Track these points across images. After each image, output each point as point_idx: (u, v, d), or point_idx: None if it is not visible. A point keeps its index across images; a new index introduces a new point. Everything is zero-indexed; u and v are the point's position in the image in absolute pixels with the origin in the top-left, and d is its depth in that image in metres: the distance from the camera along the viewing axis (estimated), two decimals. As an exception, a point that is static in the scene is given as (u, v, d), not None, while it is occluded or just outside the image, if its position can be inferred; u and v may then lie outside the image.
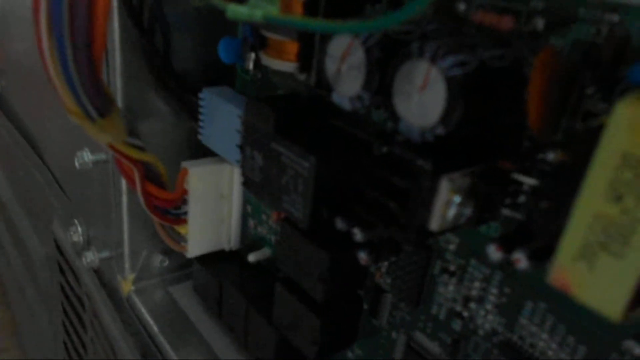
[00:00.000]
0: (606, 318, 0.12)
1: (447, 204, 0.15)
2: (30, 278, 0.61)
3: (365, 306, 0.24)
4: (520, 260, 0.15)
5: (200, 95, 0.29)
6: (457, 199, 0.15)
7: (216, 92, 0.28)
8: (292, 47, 0.21)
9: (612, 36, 0.14)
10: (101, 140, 0.19)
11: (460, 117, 0.14)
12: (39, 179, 0.48)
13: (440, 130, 0.15)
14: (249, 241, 0.32)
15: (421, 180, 0.15)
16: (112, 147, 0.21)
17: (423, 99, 0.15)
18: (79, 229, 0.40)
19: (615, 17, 0.14)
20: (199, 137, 0.30)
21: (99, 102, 0.17)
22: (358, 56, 0.17)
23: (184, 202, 0.30)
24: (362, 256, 0.21)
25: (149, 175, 0.26)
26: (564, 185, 0.12)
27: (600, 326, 0.16)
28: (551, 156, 0.14)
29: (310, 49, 0.21)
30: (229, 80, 0.30)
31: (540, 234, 0.14)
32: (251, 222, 0.31)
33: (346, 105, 0.18)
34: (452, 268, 0.20)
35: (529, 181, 0.16)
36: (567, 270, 0.12)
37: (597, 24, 0.14)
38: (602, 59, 0.13)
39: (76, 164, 0.31)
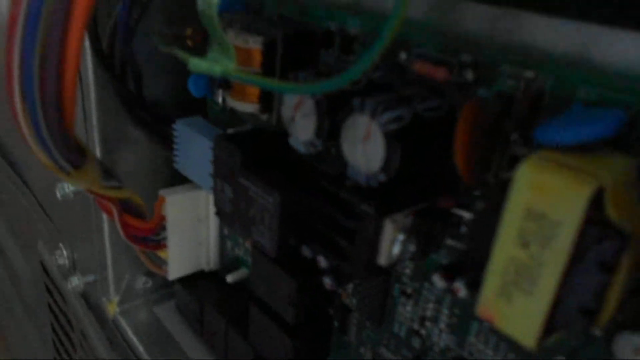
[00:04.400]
0: (525, 345, 0.14)
1: (392, 241, 0.17)
2: (19, 298, 0.62)
3: (336, 324, 0.26)
4: (460, 289, 0.17)
5: (174, 126, 0.30)
6: (400, 236, 0.17)
7: (189, 124, 0.30)
8: (254, 90, 0.22)
9: (527, 91, 0.15)
10: (78, 187, 0.21)
11: (398, 165, 0.16)
12: (24, 203, 0.49)
13: (382, 177, 0.16)
14: (227, 261, 0.33)
15: (366, 223, 0.17)
16: (88, 190, 0.22)
17: (366, 148, 0.16)
18: (64, 252, 0.41)
19: (530, 74, 0.16)
20: (175, 165, 0.31)
21: (72, 158, 0.18)
22: (309, 106, 0.18)
23: (163, 227, 0.31)
24: (327, 281, 0.22)
25: (127, 207, 0.27)
26: (484, 229, 0.14)
27: (534, 344, 0.18)
28: (479, 205, 0.15)
29: (271, 91, 0.22)
30: (202, 109, 0.31)
31: (470, 269, 0.15)
32: (229, 244, 0.33)
33: (301, 149, 0.19)
34: (409, 291, 0.22)
35: (466, 215, 0.18)
36: (491, 305, 0.14)
37: (516, 79, 0.16)
38: (518, 111, 0.15)
39: (57, 195, 0.33)
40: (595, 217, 0.12)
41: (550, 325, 0.13)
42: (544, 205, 0.12)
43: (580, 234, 0.12)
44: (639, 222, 0.12)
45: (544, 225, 0.12)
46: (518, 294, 0.13)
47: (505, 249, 0.13)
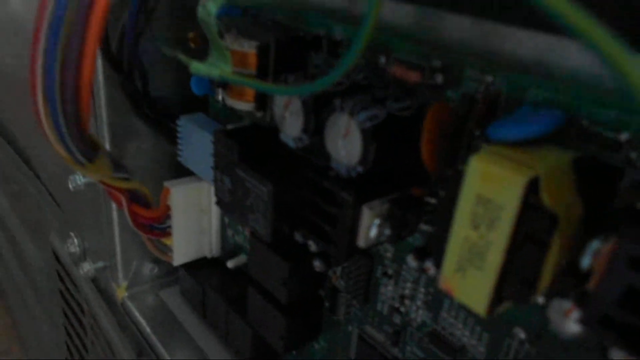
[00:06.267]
0: (477, 313, 0.16)
1: (369, 226, 0.19)
2: (30, 285, 0.65)
3: (326, 304, 0.28)
4: (430, 268, 0.19)
5: (178, 122, 0.32)
6: (377, 221, 0.19)
7: (191, 120, 0.32)
8: (250, 90, 0.25)
9: (486, 93, 0.17)
10: (91, 178, 0.23)
11: (374, 159, 0.18)
12: (35, 194, 0.51)
13: (360, 169, 0.18)
14: (228, 248, 0.36)
15: (345, 209, 0.19)
16: (100, 181, 0.25)
17: (346, 143, 0.19)
18: (75, 240, 0.44)
19: (489, 78, 0.18)
20: (179, 158, 0.33)
21: (87, 152, 0.20)
22: (297, 105, 0.20)
23: (168, 217, 0.33)
24: (317, 264, 0.25)
25: (135, 197, 0.29)
26: (445, 214, 0.16)
27: (497, 318, 0.20)
28: (440, 193, 0.18)
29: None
30: (203, 106, 0.34)
31: (436, 249, 0.17)
32: (229, 232, 0.35)
33: (291, 144, 0.21)
34: (390, 272, 0.24)
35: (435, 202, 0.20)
36: (450, 279, 0.16)
37: (478, 82, 0.18)
38: (477, 112, 0.17)
39: (70, 186, 0.35)
40: (532, 201, 0.14)
41: (498, 296, 0.15)
42: (490, 192, 0.14)
43: (518, 217, 0.14)
44: (572, 207, 0.14)
45: (490, 209, 0.15)
46: (471, 269, 0.16)
47: (460, 230, 0.16)
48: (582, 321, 0.13)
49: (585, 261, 0.13)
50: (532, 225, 0.14)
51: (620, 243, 0.12)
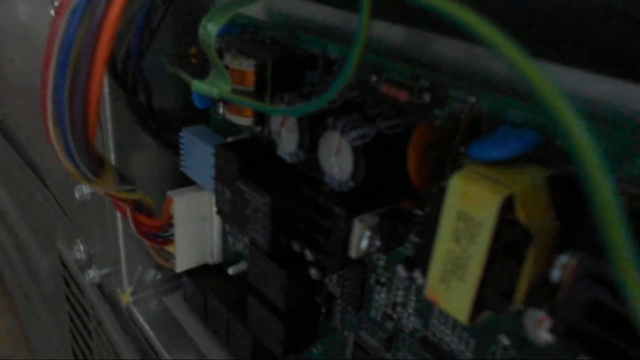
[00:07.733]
0: (460, 322, 0.17)
1: (360, 238, 0.20)
2: (38, 290, 0.66)
3: (323, 311, 0.29)
4: (418, 278, 0.20)
5: (180, 134, 0.33)
6: (367, 233, 0.20)
7: (193, 132, 0.33)
8: (249, 106, 0.26)
9: (469, 113, 0.19)
10: (98, 192, 0.24)
11: (364, 174, 0.19)
12: (42, 201, 0.53)
13: (351, 184, 0.19)
14: (229, 255, 0.37)
15: (338, 223, 0.20)
16: (106, 193, 0.26)
17: (338, 160, 0.20)
18: (81, 247, 0.45)
19: (473, 99, 0.19)
20: (181, 168, 0.34)
21: (94, 167, 0.21)
22: (292, 122, 0.21)
23: (171, 225, 0.35)
24: (313, 272, 0.26)
25: (139, 207, 0.31)
26: (429, 228, 0.17)
27: (483, 325, 0.21)
28: (425, 208, 0.19)
29: (263, 107, 0.26)
30: (205, 118, 0.35)
31: (422, 260, 0.18)
32: (230, 240, 0.36)
33: (287, 158, 0.22)
34: (382, 280, 0.25)
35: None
36: (435, 289, 0.17)
37: (462, 102, 0.19)
38: (460, 130, 0.18)
39: (76, 195, 0.36)
40: (509, 218, 0.15)
41: (479, 305, 0.16)
42: (470, 208, 0.15)
43: (495, 232, 0.15)
44: (546, 223, 0.15)
45: (470, 225, 0.16)
46: (454, 280, 0.17)
47: (443, 243, 0.17)
48: (552, 331, 0.14)
49: (555, 274, 0.14)
50: (508, 240, 0.15)
51: (583, 259, 0.13)
